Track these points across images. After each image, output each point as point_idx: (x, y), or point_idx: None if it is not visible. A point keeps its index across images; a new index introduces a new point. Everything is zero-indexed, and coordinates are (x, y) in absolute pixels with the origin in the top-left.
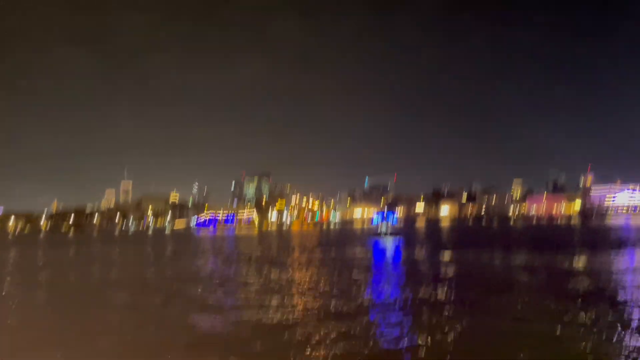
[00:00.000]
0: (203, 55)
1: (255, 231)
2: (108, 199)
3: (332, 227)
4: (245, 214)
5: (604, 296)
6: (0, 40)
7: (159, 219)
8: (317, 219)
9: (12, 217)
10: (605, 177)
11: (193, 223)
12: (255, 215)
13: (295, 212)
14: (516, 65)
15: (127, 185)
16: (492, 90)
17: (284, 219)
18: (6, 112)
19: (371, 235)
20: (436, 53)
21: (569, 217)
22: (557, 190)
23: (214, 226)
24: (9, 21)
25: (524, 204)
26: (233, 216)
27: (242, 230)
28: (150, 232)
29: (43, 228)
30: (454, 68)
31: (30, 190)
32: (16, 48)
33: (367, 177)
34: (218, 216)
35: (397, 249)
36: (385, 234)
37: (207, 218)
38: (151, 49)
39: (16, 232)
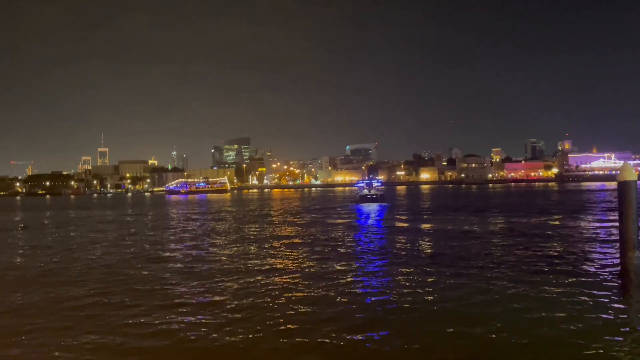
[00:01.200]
0: (181, 16)
1: (228, 195)
2: (84, 165)
3: (313, 191)
4: (221, 179)
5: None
6: None
7: (138, 184)
8: (298, 182)
9: None
10: (581, 146)
11: (172, 187)
12: (227, 179)
13: (276, 177)
14: (498, 37)
15: (103, 151)
16: (473, 60)
17: (265, 183)
18: None
19: (354, 199)
20: (420, 19)
21: (547, 181)
22: (536, 156)
23: (186, 189)
24: None
25: (502, 172)
26: (205, 183)
27: (214, 193)
28: (129, 195)
29: (19, 190)
30: (436, 38)
31: (4, 154)
32: None
33: (347, 146)
34: (190, 181)
35: (381, 214)
36: (370, 197)
37: (180, 183)
38: (126, 7)
39: None
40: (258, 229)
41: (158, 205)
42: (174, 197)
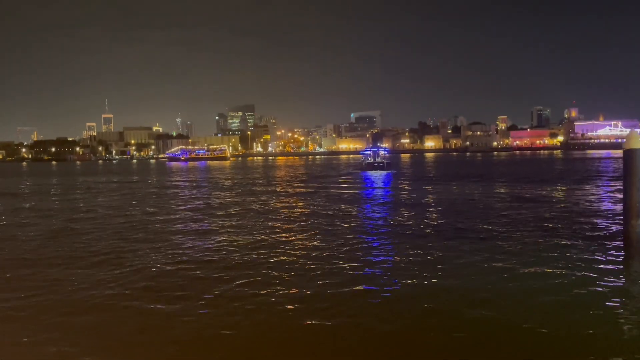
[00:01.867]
0: None
1: (228, 162)
2: (89, 131)
3: (318, 158)
4: (221, 146)
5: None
6: None
7: (143, 151)
8: (302, 150)
9: None
10: (588, 113)
11: (172, 154)
12: (226, 147)
13: (281, 145)
14: (505, 3)
15: (108, 117)
16: (479, 27)
17: (269, 150)
18: None
19: (360, 167)
20: None
21: (553, 149)
22: (542, 124)
23: (186, 156)
24: None
25: (507, 139)
26: (205, 150)
27: (214, 161)
28: (135, 162)
29: (25, 156)
30: (443, 5)
31: (9, 120)
32: None
33: (352, 114)
34: (190, 148)
35: (387, 182)
36: (376, 164)
37: (180, 150)
38: None
39: None
40: (262, 198)
41: (160, 172)
42: (174, 164)
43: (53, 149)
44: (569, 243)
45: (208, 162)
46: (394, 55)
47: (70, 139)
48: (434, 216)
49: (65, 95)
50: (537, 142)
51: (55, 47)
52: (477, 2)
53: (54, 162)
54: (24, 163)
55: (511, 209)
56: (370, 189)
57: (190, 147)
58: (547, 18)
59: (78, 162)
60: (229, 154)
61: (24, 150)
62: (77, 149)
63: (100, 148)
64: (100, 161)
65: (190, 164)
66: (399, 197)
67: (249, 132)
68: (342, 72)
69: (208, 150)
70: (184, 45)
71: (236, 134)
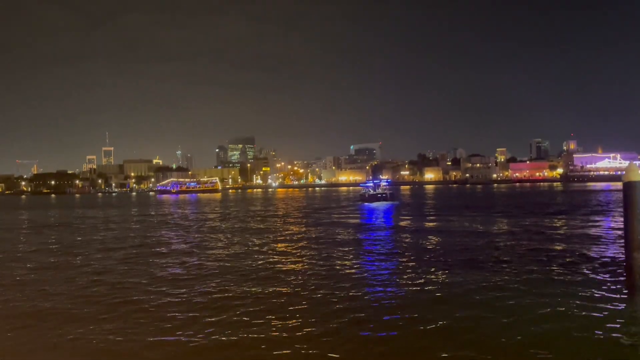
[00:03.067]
0: (183, 14)
1: (219, 195)
2: (89, 164)
3: (318, 190)
4: (212, 179)
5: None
6: None
7: (142, 183)
8: (302, 182)
9: None
10: (587, 146)
11: (163, 187)
12: (217, 179)
13: (280, 177)
14: (502, 35)
15: (108, 150)
16: (478, 60)
17: (269, 182)
18: None
19: (363, 198)
20: (423, 20)
21: (552, 181)
22: (541, 156)
23: (177, 189)
24: None
25: (506, 172)
26: (196, 183)
27: (204, 193)
28: (134, 194)
29: (24, 189)
30: (440, 38)
31: (9, 153)
32: None
33: (352, 146)
34: (181, 180)
35: (390, 213)
36: (380, 195)
37: (171, 183)
38: (128, 6)
39: None
40: (263, 235)
41: (156, 205)
42: (165, 196)
43: (53, 182)
44: (570, 275)
45: (199, 194)
46: (393, 88)
47: (70, 172)
48: (435, 249)
49: (66, 128)
50: (537, 174)
51: (57, 80)
52: (474, 35)
53: (53, 195)
54: (23, 196)
55: (512, 240)
56: (372, 226)
57: (181, 179)
58: (543, 52)
59: (77, 195)
60: (219, 186)
61: (23, 183)
62: (77, 181)
63: (100, 181)
64: (100, 194)
65: (181, 196)
66: (401, 231)
67: (248, 165)
68: (342, 104)
69: (199, 183)
70: (184, 78)
71: (236, 167)
